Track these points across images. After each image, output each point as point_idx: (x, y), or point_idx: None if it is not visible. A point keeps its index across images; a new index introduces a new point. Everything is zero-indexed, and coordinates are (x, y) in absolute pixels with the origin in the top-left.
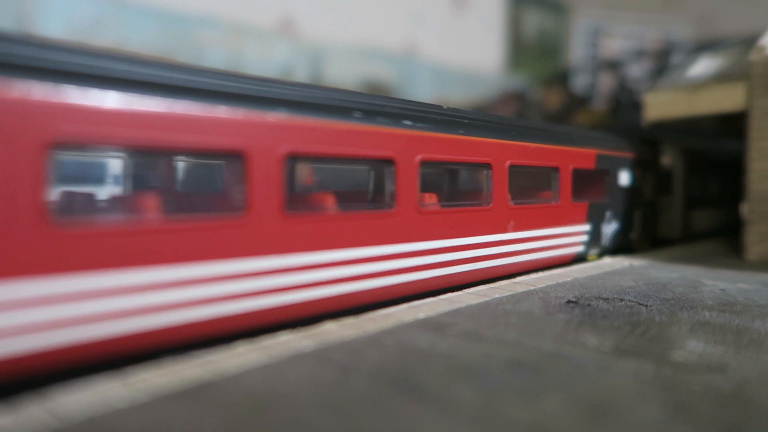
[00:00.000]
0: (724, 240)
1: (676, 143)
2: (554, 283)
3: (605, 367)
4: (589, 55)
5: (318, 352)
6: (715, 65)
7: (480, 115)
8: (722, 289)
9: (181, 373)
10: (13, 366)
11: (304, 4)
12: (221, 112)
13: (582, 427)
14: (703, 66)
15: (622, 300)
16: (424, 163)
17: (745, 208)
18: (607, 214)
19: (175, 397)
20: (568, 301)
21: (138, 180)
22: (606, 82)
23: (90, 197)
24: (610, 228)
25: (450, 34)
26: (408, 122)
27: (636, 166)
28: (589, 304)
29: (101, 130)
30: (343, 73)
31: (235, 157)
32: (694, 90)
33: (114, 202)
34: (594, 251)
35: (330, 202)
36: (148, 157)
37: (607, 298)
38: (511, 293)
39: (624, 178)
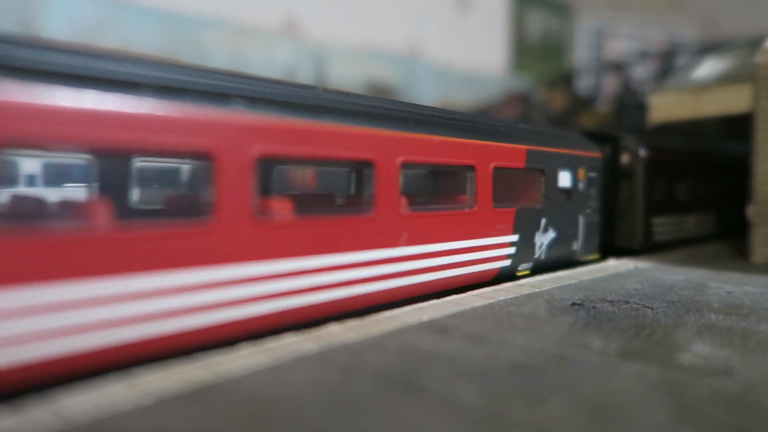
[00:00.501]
0: (727, 243)
1: (638, 141)
2: (559, 285)
3: (610, 370)
4: (593, 57)
5: (321, 355)
6: (720, 67)
7: (358, 99)
8: (728, 292)
9: (186, 375)
10: None
11: (307, 6)
12: (185, 110)
13: (586, 430)
14: (708, 68)
15: (627, 302)
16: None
17: (750, 211)
18: (543, 221)
19: (180, 399)
20: (573, 304)
21: (92, 183)
22: (610, 84)
23: (37, 201)
24: (546, 238)
25: (453, 36)
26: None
27: (583, 166)
28: (594, 307)
29: (35, 128)
30: (347, 75)
31: (203, 159)
32: (699, 92)
33: (61, 207)
34: (525, 266)
35: (290, 207)
36: (102, 159)
37: (612, 301)
38: (515, 295)
39: (565, 179)
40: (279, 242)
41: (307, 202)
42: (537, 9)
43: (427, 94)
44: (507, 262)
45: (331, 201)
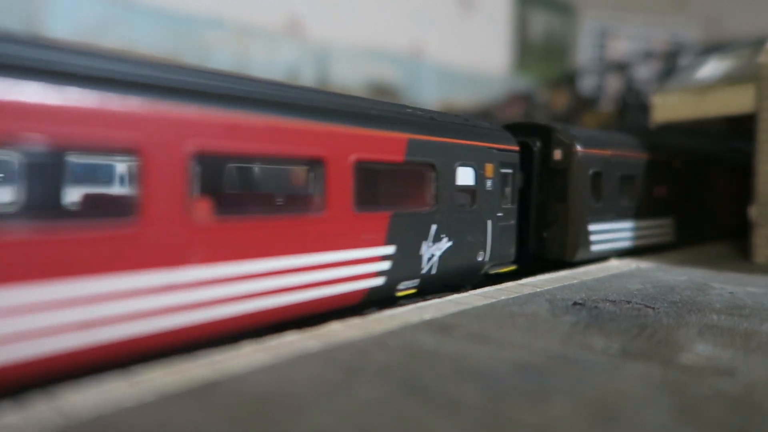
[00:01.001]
0: (732, 243)
1: (574, 134)
2: (560, 285)
3: (612, 370)
4: (596, 57)
5: (324, 353)
6: (723, 67)
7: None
8: (730, 293)
9: (188, 373)
10: None
11: (310, 6)
12: (107, 101)
13: (588, 431)
14: (711, 68)
15: (629, 302)
16: None
17: (753, 211)
18: (433, 228)
19: (182, 396)
20: (575, 303)
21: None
22: (613, 84)
23: None
24: (438, 248)
25: (456, 36)
26: None
27: (492, 161)
28: (596, 307)
29: None
30: (349, 75)
31: (131, 154)
32: (703, 92)
33: None
34: (408, 283)
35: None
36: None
37: (614, 301)
38: (517, 295)
39: (467, 176)
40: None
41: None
42: (540, 9)
43: (430, 95)
44: (378, 281)
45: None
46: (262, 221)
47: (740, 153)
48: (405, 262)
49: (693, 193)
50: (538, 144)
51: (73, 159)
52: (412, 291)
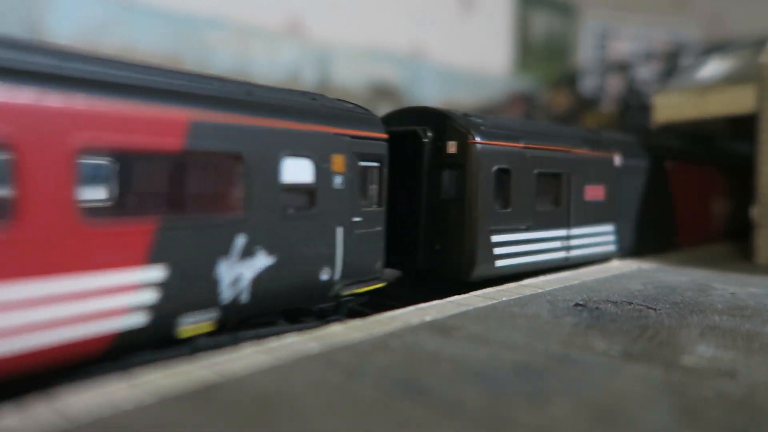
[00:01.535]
0: (732, 243)
1: (472, 122)
2: (562, 286)
3: (613, 372)
4: (597, 57)
5: (324, 354)
6: (725, 67)
7: None
8: (732, 293)
9: (188, 375)
10: None
11: (311, 6)
12: None
13: None
14: (712, 68)
15: (630, 303)
16: None
17: (755, 211)
18: (240, 241)
19: (182, 398)
20: (576, 304)
21: None
22: (614, 84)
23: None
24: (248, 268)
25: (457, 36)
26: None
27: (343, 151)
28: (597, 308)
29: None
30: (350, 75)
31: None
32: (704, 92)
33: None
34: (197, 318)
35: None
36: None
37: (616, 302)
38: (518, 296)
39: (300, 170)
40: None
41: None
42: (541, 9)
43: (431, 95)
44: (135, 319)
45: None
46: None
47: (710, 149)
48: (188, 288)
49: (643, 195)
50: (430, 133)
51: None
52: (208, 328)
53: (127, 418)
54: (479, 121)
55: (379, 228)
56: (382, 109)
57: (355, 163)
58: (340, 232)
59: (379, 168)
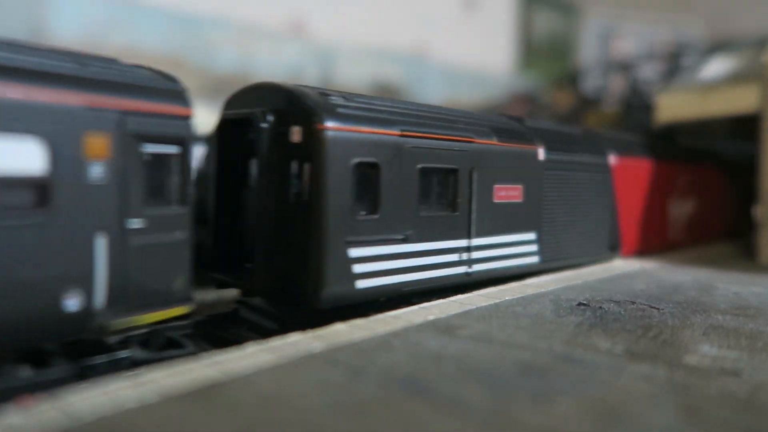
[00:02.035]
0: (736, 243)
1: (324, 103)
2: (565, 285)
3: (617, 371)
4: (599, 57)
5: (328, 353)
6: (727, 66)
7: None
8: (735, 293)
9: (192, 374)
10: None
11: (314, 5)
12: None
13: (593, 431)
14: (715, 67)
15: (633, 303)
16: None
17: (758, 211)
18: None
19: (186, 397)
20: (579, 304)
21: None
22: (617, 84)
23: None
24: None
25: (460, 36)
26: None
27: (115, 131)
28: (600, 307)
29: None
30: (354, 74)
31: None
32: (707, 91)
33: None
34: None
35: None
36: None
37: (619, 301)
38: (521, 295)
39: (14, 155)
40: None
41: None
42: (543, 8)
43: (434, 94)
44: None
45: None
46: None
47: (668, 143)
48: None
49: (576, 196)
50: (270, 117)
51: None
52: None
53: (130, 416)
54: (338, 101)
55: (179, 235)
56: None
57: (134, 147)
58: (101, 242)
59: (181, 155)
